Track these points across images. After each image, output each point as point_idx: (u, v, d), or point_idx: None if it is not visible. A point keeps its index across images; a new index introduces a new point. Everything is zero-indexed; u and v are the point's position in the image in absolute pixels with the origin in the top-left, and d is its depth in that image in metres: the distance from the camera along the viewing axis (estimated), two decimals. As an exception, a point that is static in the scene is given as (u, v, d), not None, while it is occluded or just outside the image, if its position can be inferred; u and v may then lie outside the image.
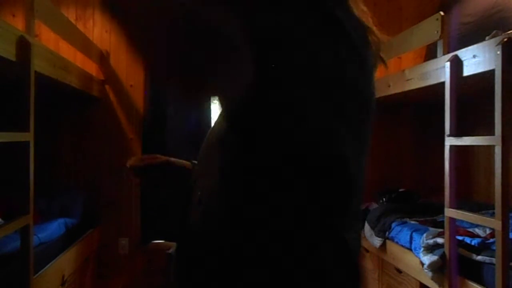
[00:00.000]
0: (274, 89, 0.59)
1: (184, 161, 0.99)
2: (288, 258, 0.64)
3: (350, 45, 0.63)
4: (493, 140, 1.77)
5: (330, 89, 0.61)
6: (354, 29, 0.65)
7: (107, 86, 3.42)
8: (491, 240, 2.06)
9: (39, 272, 2.10)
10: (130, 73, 3.45)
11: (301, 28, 0.60)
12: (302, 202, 0.65)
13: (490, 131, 1.80)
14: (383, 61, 0.72)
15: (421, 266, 2.23)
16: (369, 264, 3.16)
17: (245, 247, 0.65)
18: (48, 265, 2.25)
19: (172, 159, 1.03)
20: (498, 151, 1.74)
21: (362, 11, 0.68)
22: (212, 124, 0.83)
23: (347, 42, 0.63)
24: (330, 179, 0.66)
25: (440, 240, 2.16)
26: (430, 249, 2.18)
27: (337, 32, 0.62)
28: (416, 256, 2.33)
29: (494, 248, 1.81)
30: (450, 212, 2.07)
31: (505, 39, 1.70)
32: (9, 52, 1.74)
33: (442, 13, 2.21)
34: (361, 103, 0.66)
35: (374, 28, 0.69)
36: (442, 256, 2.07)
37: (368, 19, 0.68)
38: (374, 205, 3.25)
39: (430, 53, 2.96)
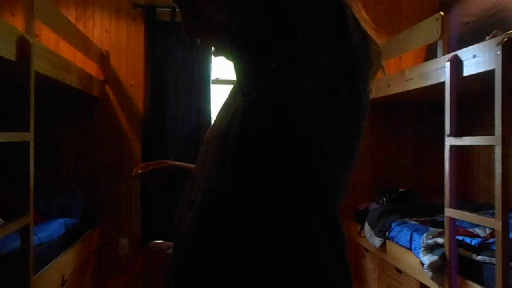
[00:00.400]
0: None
1: (190, 164, 0.98)
2: (287, 256, 0.64)
3: (349, 41, 0.64)
4: (493, 140, 1.77)
5: (328, 77, 0.61)
6: (355, 29, 0.65)
7: (107, 86, 3.42)
8: (491, 240, 2.06)
9: (39, 272, 2.10)
10: (130, 73, 3.45)
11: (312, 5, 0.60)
12: (302, 202, 0.65)
13: (490, 131, 1.80)
14: (383, 69, 0.72)
15: (421, 266, 2.23)
16: (369, 264, 3.16)
17: (239, 245, 0.65)
18: (48, 265, 2.25)
19: (178, 163, 1.02)
20: (498, 151, 1.74)
21: (364, 19, 0.68)
22: (212, 124, 0.83)
23: (348, 39, 0.63)
24: (328, 178, 0.66)
25: (440, 240, 2.16)
26: (430, 249, 2.18)
27: (342, 26, 0.62)
28: (416, 256, 2.33)
29: (494, 248, 1.81)
30: (450, 212, 2.07)
31: (505, 39, 1.70)
32: (9, 52, 1.74)
33: (442, 13, 2.21)
34: (356, 98, 0.66)
35: (375, 38, 0.69)
36: (442, 256, 2.07)
37: (371, 30, 0.68)
38: (374, 205, 3.25)
39: (430, 53, 2.96)
